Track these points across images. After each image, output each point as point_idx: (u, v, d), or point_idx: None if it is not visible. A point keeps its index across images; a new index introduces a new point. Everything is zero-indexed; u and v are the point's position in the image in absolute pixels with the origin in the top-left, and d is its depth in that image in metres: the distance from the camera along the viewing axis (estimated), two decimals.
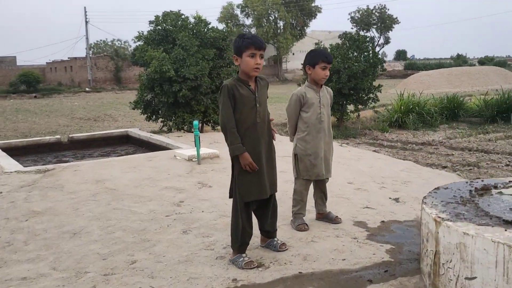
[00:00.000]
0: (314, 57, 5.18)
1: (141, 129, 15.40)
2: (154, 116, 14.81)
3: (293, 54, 73.58)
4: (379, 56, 19.06)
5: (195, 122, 8.33)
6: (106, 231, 5.18)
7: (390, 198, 6.44)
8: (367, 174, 8.01)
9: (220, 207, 6.02)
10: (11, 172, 9.25)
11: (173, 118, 14.20)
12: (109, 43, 72.70)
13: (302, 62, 5.45)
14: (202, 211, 5.86)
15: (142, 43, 14.33)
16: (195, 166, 8.01)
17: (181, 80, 13.46)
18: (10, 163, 10.14)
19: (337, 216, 5.55)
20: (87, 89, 49.86)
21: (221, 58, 14.54)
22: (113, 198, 6.23)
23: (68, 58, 57.44)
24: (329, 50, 17.47)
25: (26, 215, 5.79)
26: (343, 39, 17.79)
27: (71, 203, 6.09)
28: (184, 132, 14.47)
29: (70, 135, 14.08)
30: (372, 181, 7.51)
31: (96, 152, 13.43)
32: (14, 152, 13.14)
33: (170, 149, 12.02)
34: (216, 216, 5.62)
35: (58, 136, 13.97)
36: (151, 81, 13.73)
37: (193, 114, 14.05)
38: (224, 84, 4.17)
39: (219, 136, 13.25)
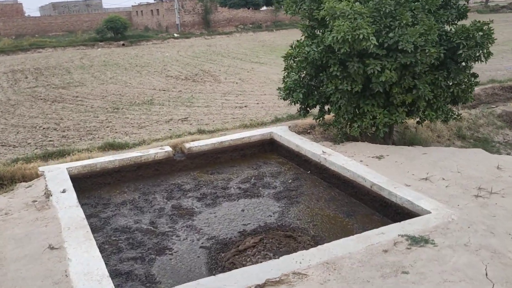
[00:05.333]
0: None
1: (292, 128, 9.12)
2: (318, 109, 8.49)
3: None
4: None
5: None
6: None
7: None
8: None
9: None
10: None
11: (353, 116, 7.79)
12: None
13: None
14: None
15: None
16: None
17: (383, 54, 6.94)
18: (84, 270, 4.40)
19: None
20: (175, 34, 44.12)
21: (443, 7, 7.71)
22: None
23: (155, 0, 51.73)
24: None
25: None
26: None
27: None
28: (364, 140, 8.11)
29: (187, 146, 8.18)
30: None
31: (232, 183, 7.45)
32: (103, 180, 7.55)
33: (389, 202, 5.78)
34: None
35: (167, 149, 8.11)
36: (326, 55, 7.32)
37: (390, 110, 7.58)
38: None
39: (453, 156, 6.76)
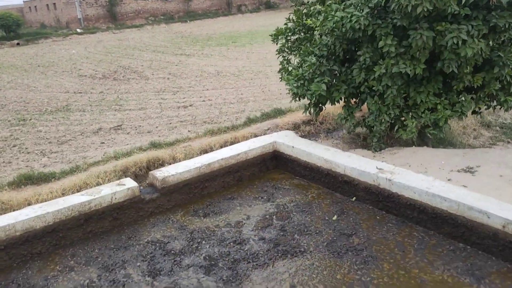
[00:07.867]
0: None
1: (304, 133, 6.40)
2: (346, 105, 5.89)
3: None
4: None
5: None
6: None
7: None
8: None
9: None
10: None
11: (401, 111, 5.32)
12: None
13: None
14: None
15: None
16: None
17: (463, 15, 4.52)
18: None
19: None
20: (78, 30, 38.96)
21: None
22: None
23: None
24: None
25: None
26: None
27: None
28: (419, 144, 5.71)
29: (160, 176, 5.15)
30: None
31: (245, 230, 4.61)
32: (30, 248, 4.34)
33: None
34: None
35: (130, 184, 5.03)
36: (373, 22, 4.74)
37: (451, 99, 5.23)
38: None
39: None
